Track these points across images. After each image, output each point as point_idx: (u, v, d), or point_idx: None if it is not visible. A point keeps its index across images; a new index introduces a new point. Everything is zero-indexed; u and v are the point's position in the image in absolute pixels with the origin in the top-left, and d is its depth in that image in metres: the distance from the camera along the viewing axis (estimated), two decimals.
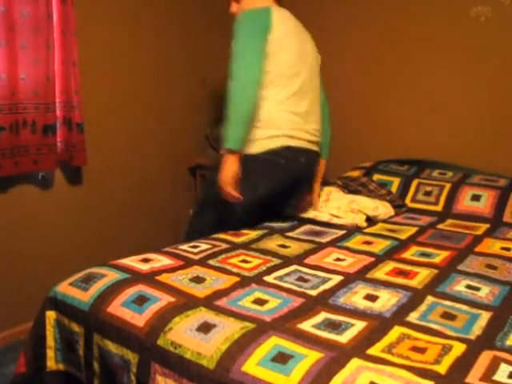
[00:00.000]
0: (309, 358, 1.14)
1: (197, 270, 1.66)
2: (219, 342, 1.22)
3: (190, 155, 3.27)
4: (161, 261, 1.74)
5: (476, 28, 2.57)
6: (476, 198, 2.40)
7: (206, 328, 1.28)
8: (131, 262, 1.73)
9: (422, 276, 1.63)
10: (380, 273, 1.67)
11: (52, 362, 1.57)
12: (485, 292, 1.52)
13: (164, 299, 1.43)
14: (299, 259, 1.79)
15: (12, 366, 2.08)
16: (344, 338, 1.25)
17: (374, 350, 1.19)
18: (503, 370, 1.09)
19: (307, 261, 1.77)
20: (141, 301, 1.44)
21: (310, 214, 2.31)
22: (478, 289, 1.54)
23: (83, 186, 2.68)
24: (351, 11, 2.95)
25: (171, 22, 3.03)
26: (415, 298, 1.48)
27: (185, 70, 3.17)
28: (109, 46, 2.71)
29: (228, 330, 1.26)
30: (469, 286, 1.55)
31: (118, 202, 2.88)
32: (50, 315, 1.58)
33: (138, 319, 1.38)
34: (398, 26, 2.80)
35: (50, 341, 1.57)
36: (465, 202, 2.41)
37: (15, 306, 2.43)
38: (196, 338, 1.25)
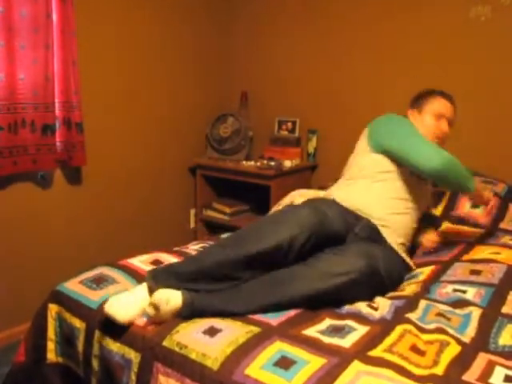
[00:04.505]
0: (312, 364, 1.16)
1: None
2: (224, 344, 1.24)
3: (189, 155, 3.27)
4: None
5: (476, 28, 2.57)
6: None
7: (212, 331, 1.30)
8: (141, 263, 1.72)
9: (411, 289, 1.63)
10: None
11: (52, 355, 1.58)
12: (471, 294, 1.54)
13: None
14: None
15: None
16: (347, 342, 1.26)
17: (375, 351, 1.21)
18: (498, 373, 1.10)
19: None
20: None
21: None
22: (464, 291, 1.55)
23: (83, 185, 2.68)
24: (351, 11, 2.96)
25: (171, 22, 3.03)
26: (410, 302, 1.50)
27: (185, 70, 3.17)
28: (109, 45, 2.71)
29: (233, 333, 1.28)
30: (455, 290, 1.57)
31: (118, 201, 2.88)
32: (52, 308, 1.59)
33: (146, 321, 1.39)
34: (399, 26, 2.80)
35: (51, 333, 1.58)
36: (465, 209, 2.36)
37: (15, 305, 2.43)
38: (202, 340, 1.27)
